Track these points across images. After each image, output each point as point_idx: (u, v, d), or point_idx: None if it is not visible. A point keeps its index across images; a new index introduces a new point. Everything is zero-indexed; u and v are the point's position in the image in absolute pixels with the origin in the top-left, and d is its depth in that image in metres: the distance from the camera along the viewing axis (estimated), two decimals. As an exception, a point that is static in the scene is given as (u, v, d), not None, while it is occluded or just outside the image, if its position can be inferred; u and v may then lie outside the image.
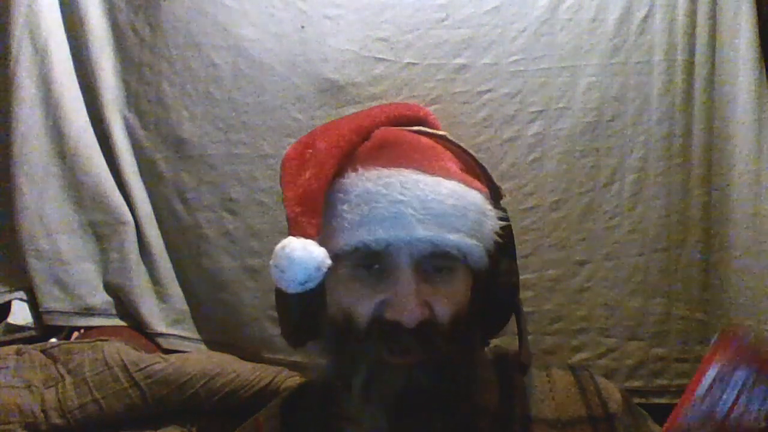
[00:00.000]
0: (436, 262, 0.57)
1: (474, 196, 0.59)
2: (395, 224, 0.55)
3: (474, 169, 0.64)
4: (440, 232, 0.55)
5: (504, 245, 0.64)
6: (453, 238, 0.56)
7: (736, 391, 0.47)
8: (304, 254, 0.55)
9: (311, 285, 0.56)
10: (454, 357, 0.56)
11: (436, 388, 0.55)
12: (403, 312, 0.54)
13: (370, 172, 0.57)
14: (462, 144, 0.65)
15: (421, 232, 0.55)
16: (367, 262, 0.57)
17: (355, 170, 0.58)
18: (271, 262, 0.57)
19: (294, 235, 0.57)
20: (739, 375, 0.47)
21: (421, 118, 0.69)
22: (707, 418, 0.47)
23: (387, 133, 0.62)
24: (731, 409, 0.47)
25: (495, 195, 0.66)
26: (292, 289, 0.56)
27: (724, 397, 0.47)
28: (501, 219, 0.63)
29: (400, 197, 0.55)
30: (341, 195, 0.58)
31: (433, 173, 0.58)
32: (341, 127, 0.61)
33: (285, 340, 0.68)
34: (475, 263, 0.59)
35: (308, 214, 0.57)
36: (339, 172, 0.59)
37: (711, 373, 0.48)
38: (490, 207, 0.61)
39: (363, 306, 0.57)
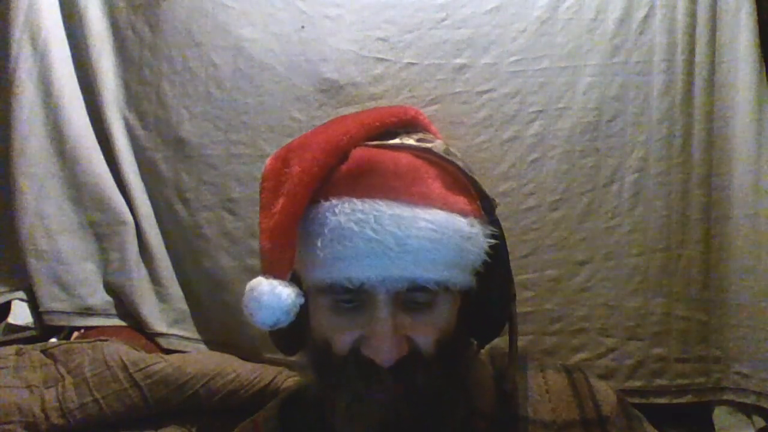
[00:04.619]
0: (414, 296, 0.55)
1: (456, 223, 0.56)
2: (369, 264, 0.53)
3: (461, 184, 0.60)
4: (416, 269, 0.54)
5: (495, 258, 0.61)
6: (430, 274, 0.54)
7: None
8: (272, 299, 0.55)
9: (283, 324, 0.56)
10: (440, 382, 0.55)
11: (419, 417, 0.54)
12: (378, 353, 0.53)
13: (343, 204, 0.55)
14: (449, 156, 0.60)
15: (396, 271, 0.53)
16: (344, 298, 0.56)
17: (329, 200, 0.56)
18: (243, 300, 0.57)
19: (265, 273, 0.56)
20: None
21: (409, 122, 0.65)
22: None
23: (364, 155, 0.58)
24: None
25: (487, 207, 0.62)
26: (264, 329, 0.56)
27: None
28: (492, 236, 0.60)
29: (374, 236, 0.53)
30: (315, 227, 0.56)
31: (411, 203, 0.55)
32: (318, 145, 0.57)
33: (276, 348, 0.68)
34: (459, 288, 0.58)
35: (280, 251, 0.56)
36: (314, 198, 0.56)
37: None
38: (476, 229, 0.58)
39: (341, 339, 0.56)
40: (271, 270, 0.56)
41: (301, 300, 0.56)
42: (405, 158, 0.58)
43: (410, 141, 0.60)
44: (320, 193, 0.56)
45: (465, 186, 0.60)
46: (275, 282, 0.55)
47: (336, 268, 0.54)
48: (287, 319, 0.56)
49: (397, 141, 0.60)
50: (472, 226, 0.57)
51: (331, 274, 0.55)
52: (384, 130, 0.61)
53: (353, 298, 0.55)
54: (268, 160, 0.61)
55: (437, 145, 0.60)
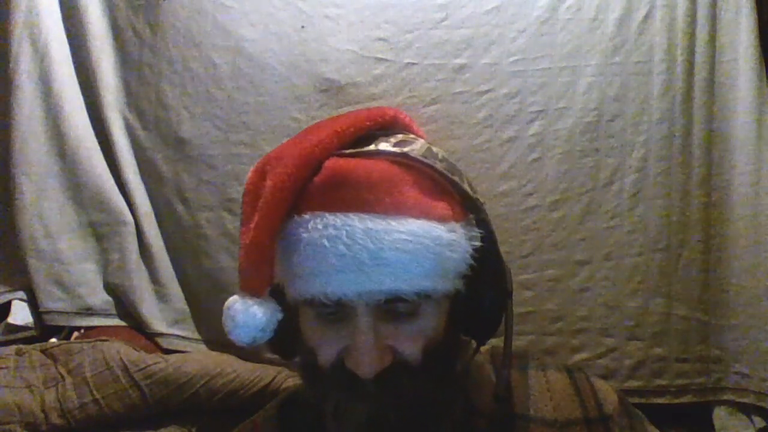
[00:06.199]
0: (396, 306, 0.54)
1: (433, 231, 0.54)
2: (344, 279, 0.52)
3: (440, 188, 0.58)
4: (394, 281, 0.52)
5: (483, 259, 0.59)
6: (408, 286, 0.53)
7: None
8: (246, 318, 0.55)
9: (262, 341, 0.56)
10: (429, 387, 0.55)
11: (409, 420, 0.54)
12: (359, 366, 0.53)
13: (316, 219, 0.54)
14: (428, 158, 0.58)
15: (372, 285, 0.52)
16: (326, 311, 0.55)
17: (303, 215, 0.55)
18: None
19: (242, 290, 0.56)
20: None
21: (387, 123, 0.63)
22: None
23: (336, 166, 0.56)
24: None
25: (472, 207, 0.60)
26: (244, 345, 0.57)
27: None
28: (477, 238, 0.58)
29: (346, 251, 0.52)
30: (291, 242, 0.55)
31: (385, 214, 0.53)
32: (290, 158, 0.56)
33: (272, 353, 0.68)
34: (443, 294, 0.56)
35: (256, 268, 0.55)
36: (290, 212, 0.55)
37: None
38: (456, 234, 0.56)
39: (326, 350, 0.56)
40: (246, 287, 0.56)
41: (279, 316, 0.56)
42: (379, 167, 0.56)
43: (387, 145, 0.59)
44: (295, 207, 0.55)
45: (445, 189, 0.58)
46: (250, 301, 0.55)
47: (313, 284, 0.54)
48: (264, 336, 0.56)
49: (372, 147, 0.58)
50: (452, 231, 0.56)
51: (308, 290, 0.54)
52: (359, 136, 0.60)
53: (335, 310, 0.55)
54: (249, 173, 0.61)
55: (416, 147, 0.59)
